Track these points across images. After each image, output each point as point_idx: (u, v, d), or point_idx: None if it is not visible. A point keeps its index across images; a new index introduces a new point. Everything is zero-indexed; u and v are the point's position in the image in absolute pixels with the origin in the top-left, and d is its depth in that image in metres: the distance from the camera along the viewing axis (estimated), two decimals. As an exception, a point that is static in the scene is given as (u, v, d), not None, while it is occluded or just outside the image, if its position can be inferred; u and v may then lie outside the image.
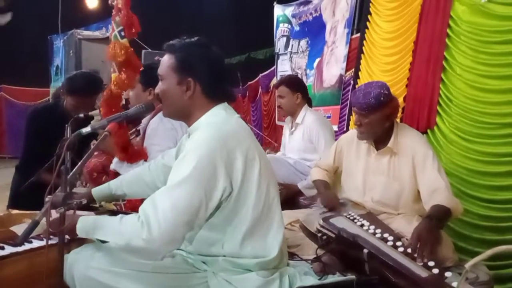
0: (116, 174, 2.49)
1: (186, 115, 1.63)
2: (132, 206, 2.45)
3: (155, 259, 1.50)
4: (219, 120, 1.58)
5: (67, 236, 1.55)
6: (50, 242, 1.51)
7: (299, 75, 6.42)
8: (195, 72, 1.59)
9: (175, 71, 1.60)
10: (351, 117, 4.61)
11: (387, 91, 2.24)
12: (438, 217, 1.99)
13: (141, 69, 2.63)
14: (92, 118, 2.50)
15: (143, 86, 2.59)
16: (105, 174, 2.62)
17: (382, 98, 2.21)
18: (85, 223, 1.52)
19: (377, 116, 2.22)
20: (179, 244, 1.48)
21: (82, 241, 1.64)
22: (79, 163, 1.55)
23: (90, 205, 1.99)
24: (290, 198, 3.15)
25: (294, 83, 3.44)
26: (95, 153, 2.60)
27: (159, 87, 1.64)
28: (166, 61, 1.62)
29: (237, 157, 1.50)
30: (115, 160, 2.46)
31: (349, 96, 4.87)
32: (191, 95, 1.59)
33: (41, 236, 1.68)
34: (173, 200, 1.42)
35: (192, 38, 1.65)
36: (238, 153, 1.50)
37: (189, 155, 1.48)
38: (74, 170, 1.52)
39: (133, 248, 1.42)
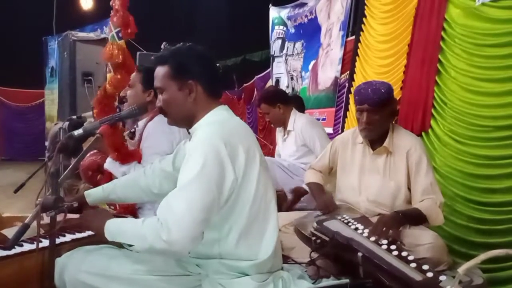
0: (111, 174, 2.49)
1: (191, 119, 1.64)
2: (126, 206, 2.44)
3: (180, 257, 1.53)
4: (221, 119, 1.59)
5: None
6: (41, 245, 1.50)
7: (294, 78, 6.42)
8: (192, 73, 1.60)
9: (172, 78, 1.60)
10: (346, 119, 4.62)
11: (391, 87, 2.32)
12: (407, 215, 2.11)
13: (137, 70, 2.63)
14: (85, 120, 2.49)
15: (143, 87, 2.58)
16: (100, 173, 2.61)
17: (391, 92, 2.28)
18: (111, 226, 1.52)
19: (387, 112, 2.26)
20: (199, 241, 1.46)
21: (73, 245, 1.63)
22: (71, 166, 1.53)
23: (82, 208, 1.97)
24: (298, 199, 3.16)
25: (271, 97, 3.47)
26: (92, 152, 2.58)
27: (161, 99, 1.63)
28: (160, 72, 1.62)
29: (239, 153, 1.50)
30: (109, 159, 2.45)
31: (344, 98, 4.88)
32: (195, 97, 1.60)
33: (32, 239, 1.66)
34: (188, 200, 1.42)
35: (176, 45, 1.67)
36: (241, 149, 1.51)
37: (195, 153, 1.48)
38: (65, 172, 1.51)
39: (157, 251, 1.43)
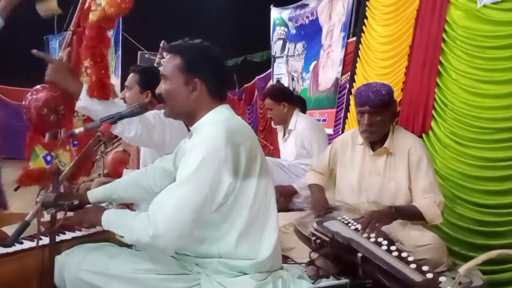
0: (70, 116, 2.15)
1: (190, 115, 1.64)
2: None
3: (167, 254, 1.54)
4: (224, 118, 1.59)
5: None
6: (41, 243, 1.50)
7: (295, 78, 6.43)
8: (202, 72, 1.60)
9: (182, 71, 1.60)
10: (347, 120, 4.62)
11: (392, 89, 2.31)
12: (400, 210, 2.11)
13: (133, 72, 2.61)
14: None
15: (140, 88, 2.57)
16: (55, 112, 2.15)
17: (391, 94, 2.27)
18: (109, 216, 1.54)
19: (388, 113, 2.27)
20: (187, 239, 1.48)
21: (73, 243, 1.63)
22: (71, 164, 1.53)
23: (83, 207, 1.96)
24: (286, 198, 3.16)
25: (277, 94, 3.45)
26: (46, 85, 2.16)
27: (163, 87, 1.63)
28: (171, 61, 1.62)
29: (241, 153, 1.50)
30: (84, 95, 1.98)
31: (345, 99, 4.88)
32: (197, 95, 1.60)
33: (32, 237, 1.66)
34: (178, 198, 1.43)
35: (194, 40, 1.66)
36: (242, 149, 1.51)
37: (195, 151, 1.48)
38: (65, 171, 1.51)
39: (143, 244, 1.45)
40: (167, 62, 1.64)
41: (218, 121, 1.56)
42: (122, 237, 1.50)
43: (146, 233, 1.39)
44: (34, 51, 1.76)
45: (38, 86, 2.23)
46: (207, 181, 1.44)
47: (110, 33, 2.53)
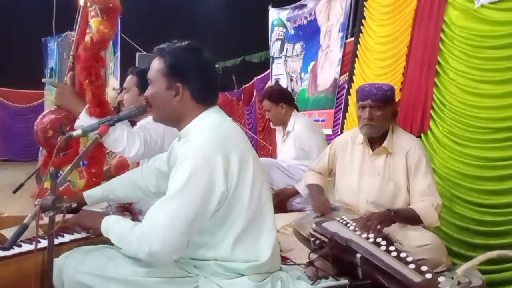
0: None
1: (176, 120, 1.62)
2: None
3: (164, 266, 1.53)
4: (213, 123, 1.57)
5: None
6: (39, 246, 1.50)
7: (294, 79, 6.43)
8: (184, 77, 1.57)
9: (164, 75, 1.58)
10: (345, 120, 4.63)
11: (394, 88, 2.38)
12: (398, 213, 2.11)
13: (132, 74, 2.59)
14: None
15: (139, 90, 2.56)
16: (61, 133, 2.26)
17: (393, 92, 2.33)
18: (108, 222, 1.55)
19: (389, 109, 2.30)
20: (183, 251, 1.47)
21: (71, 246, 1.63)
22: (69, 167, 1.53)
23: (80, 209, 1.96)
24: (286, 200, 3.18)
25: (275, 95, 3.46)
26: (53, 109, 2.27)
27: (148, 90, 1.62)
28: (156, 65, 1.60)
29: (232, 160, 1.48)
30: (83, 114, 2.08)
31: (343, 100, 4.89)
32: (180, 100, 1.58)
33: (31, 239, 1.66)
34: (170, 213, 1.41)
35: (182, 42, 1.62)
36: (234, 155, 1.49)
37: (184, 162, 1.46)
38: (64, 173, 1.51)
39: (141, 258, 1.45)
40: (152, 65, 1.62)
41: (207, 127, 1.54)
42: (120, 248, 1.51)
43: (142, 249, 1.40)
44: (43, 80, 1.81)
45: (45, 112, 2.36)
46: (199, 192, 1.42)
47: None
